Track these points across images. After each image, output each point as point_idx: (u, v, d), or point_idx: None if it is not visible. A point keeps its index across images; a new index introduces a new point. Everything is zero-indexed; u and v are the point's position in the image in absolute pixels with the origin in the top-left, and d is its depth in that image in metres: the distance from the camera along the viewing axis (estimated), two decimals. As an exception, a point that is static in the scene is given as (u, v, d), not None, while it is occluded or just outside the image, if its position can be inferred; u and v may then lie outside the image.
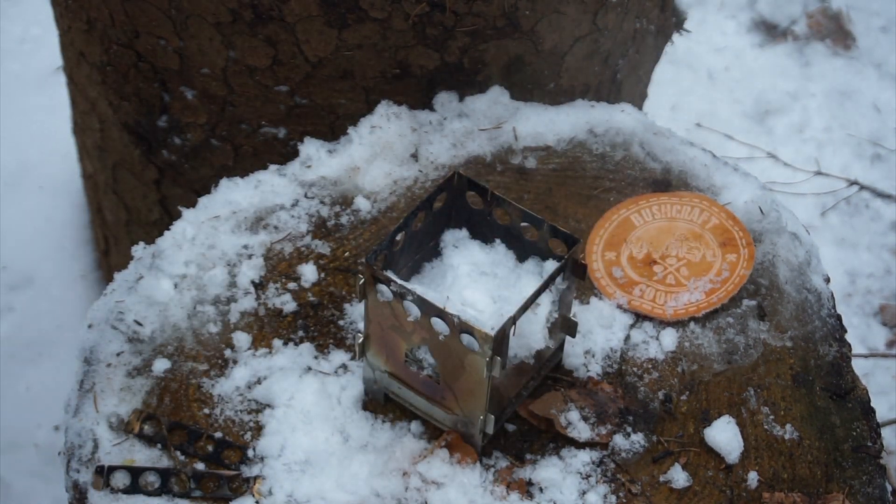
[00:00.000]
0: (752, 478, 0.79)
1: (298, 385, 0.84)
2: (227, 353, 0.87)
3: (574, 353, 0.86)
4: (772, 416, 0.82)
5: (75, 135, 1.45)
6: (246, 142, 1.13)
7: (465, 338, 0.72)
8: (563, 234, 0.78)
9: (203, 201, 0.97)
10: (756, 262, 0.91)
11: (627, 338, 0.87)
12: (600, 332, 0.87)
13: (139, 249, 0.94)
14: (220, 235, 0.94)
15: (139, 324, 0.88)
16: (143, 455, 0.81)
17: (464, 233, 0.84)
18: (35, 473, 1.43)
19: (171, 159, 1.18)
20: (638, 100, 1.32)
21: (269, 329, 0.89)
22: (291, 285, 0.91)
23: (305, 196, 0.98)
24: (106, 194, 1.37)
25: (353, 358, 0.86)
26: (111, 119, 1.20)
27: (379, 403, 0.84)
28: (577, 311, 0.88)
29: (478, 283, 0.79)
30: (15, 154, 1.76)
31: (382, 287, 0.75)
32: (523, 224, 0.81)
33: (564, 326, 0.81)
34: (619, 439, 0.81)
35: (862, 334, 1.80)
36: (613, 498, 0.78)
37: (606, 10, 1.07)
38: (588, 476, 0.79)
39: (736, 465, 0.79)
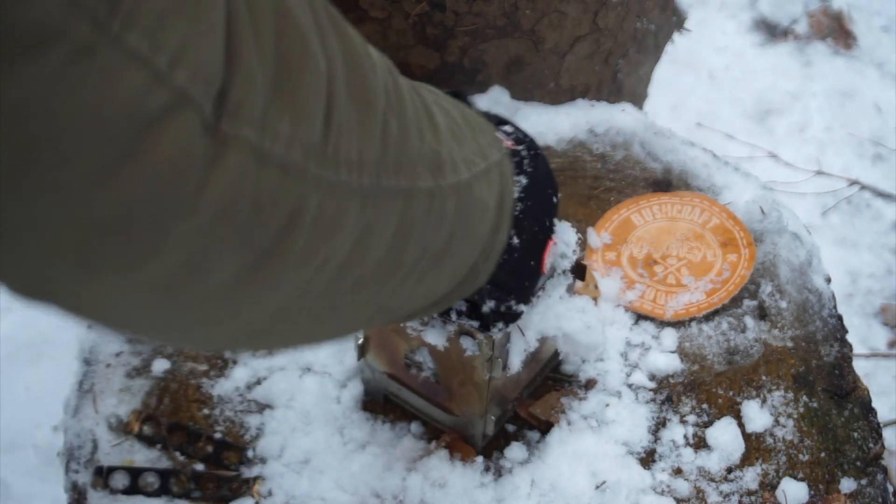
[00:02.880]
0: (753, 478, 0.79)
1: (298, 385, 0.84)
2: (227, 353, 0.87)
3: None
4: (773, 417, 0.82)
5: (75, 134, 1.45)
6: (246, 142, 1.13)
7: (465, 340, 0.72)
8: None
9: (203, 201, 0.97)
10: (757, 262, 0.91)
11: (627, 339, 0.87)
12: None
13: (139, 249, 0.94)
14: (220, 235, 0.94)
15: (138, 324, 0.88)
16: (142, 456, 0.81)
17: None
18: (34, 474, 1.43)
19: (171, 159, 1.18)
20: (638, 99, 1.32)
21: (268, 329, 0.89)
22: (291, 285, 0.91)
23: (305, 196, 0.97)
24: (106, 194, 1.37)
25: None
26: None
27: (379, 404, 0.84)
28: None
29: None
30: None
31: None
32: None
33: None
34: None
35: (863, 334, 1.80)
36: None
37: (607, 10, 1.07)
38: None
39: (736, 466, 0.79)
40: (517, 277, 0.68)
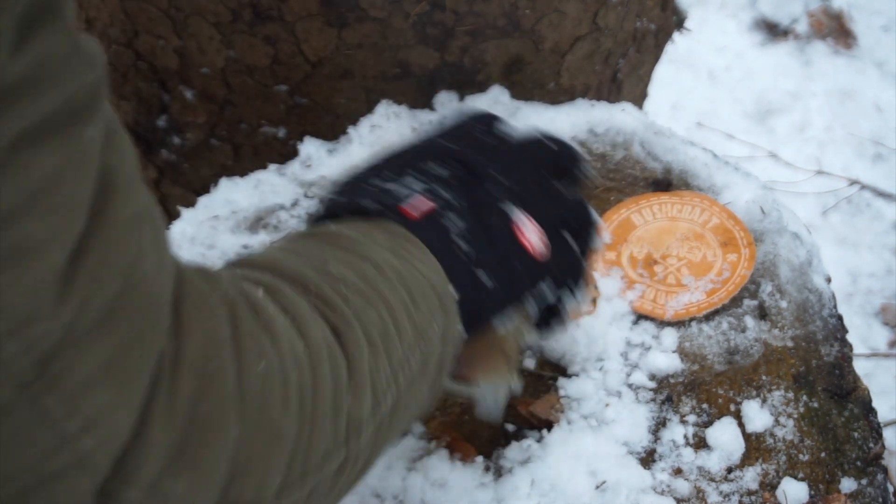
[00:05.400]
0: (753, 478, 0.79)
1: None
2: None
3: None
4: (773, 417, 0.82)
5: (75, 134, 1.45)
6: (246, 141, 1.13)
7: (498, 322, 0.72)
8: None
9: (203, 201, 0.97)
10: (757, 262, 0.91)
11: (628, 339, 0.87)
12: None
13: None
14: (220, 235, 0.94)
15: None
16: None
17: None
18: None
19: (171, 159, 1.18)
20: (638, 99, 1.32)
21: (268, 329, 0.88)
22: (291, 285, 0.91)
23: (305, 196, 0.97)
24: (106, 194, 1.37)
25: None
26: (111, 119, 1.20)
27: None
28: (578, 311, 0.87)
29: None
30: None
31: None
32: None
33: None
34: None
35: (863, 334, 1.80)
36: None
37: (607, 10, 1.07)
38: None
39: (736, 466, 0.79)
40: (506, 292, 0.66)
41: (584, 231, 0.73)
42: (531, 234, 0.68)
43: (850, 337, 0.88)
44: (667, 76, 2.03)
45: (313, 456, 0.50)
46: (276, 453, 0.47)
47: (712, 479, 0.79)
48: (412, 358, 0.58)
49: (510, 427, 0.83)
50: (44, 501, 0.36)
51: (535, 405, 0.83)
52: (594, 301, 0.88)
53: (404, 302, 0.58)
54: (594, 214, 0.74)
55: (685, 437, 0.81)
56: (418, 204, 0.65)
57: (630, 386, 0.84)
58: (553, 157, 0.74)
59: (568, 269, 0.71)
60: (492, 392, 0.78)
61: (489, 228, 0.66)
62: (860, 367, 1.41)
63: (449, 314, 0.62)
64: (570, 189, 0.74)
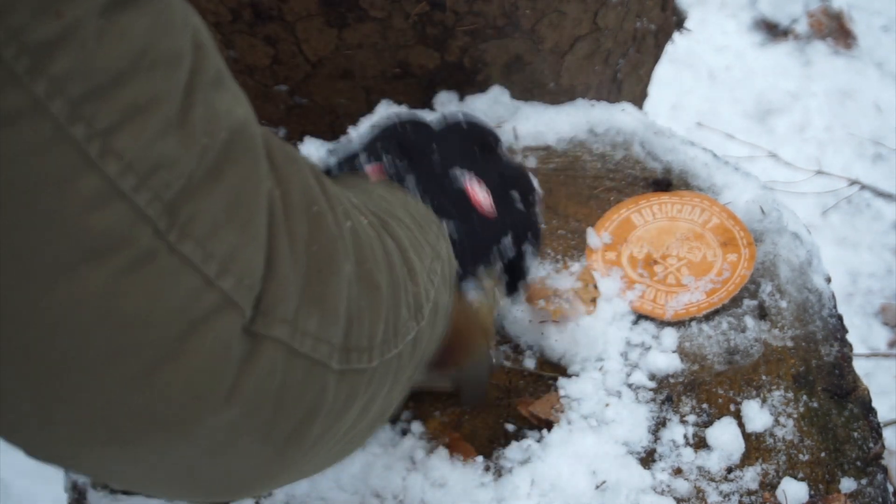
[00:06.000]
0: (753, 478, 0.79)
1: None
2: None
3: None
4: (773, 417, 0.82)
5: (75, 134, 1.45)
6: (246, 141, 1.13)
7: (473, 293, 0.73)
8: None
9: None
10: (757, 262, 0.91)
11: (627, 339, 0.87)
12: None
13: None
14: (220, 235, 0.94)
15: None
16: (142, 455, 0.81)
17: None
18: (34, 474, 1.43)
19: (171, 159, 1.18)
20: (638, 99, 1.32)
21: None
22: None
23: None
24: (106, 194, 1.37)
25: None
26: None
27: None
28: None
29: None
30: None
31: None
32: None
33: None
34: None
35: (863, 334, 1.80)
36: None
37: (607, 10, 1.07)
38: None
39: (736, 466, 0.79)
40: (472, 249, 0.72)
41: (528, 192, 0.80)
42: (480, 193, 0.73)
43: (850, 337, 0.88)
44: (667, 76, 2.03)
45: (400, 317, 0.54)
46: (377, 304, 0.51)
47: (712, 479, 0.79)
48: (436, 266, 0.62)
49: (510, 427, 0.83)
50: (197, 344, 0.38)
51: (535, 405, 0.83)
52: (594, 301, 0.88)
53: (415, 223, 0.63)
54: (533, 179, 0.82)
55: (685, 437, 0.81)
56: (371, 171, 0.72)
57: (630, 386, 0.84)
58: (477, 134, 0.81)
59: (521, 224, 0.76)
60: (475, 371, 0.78)
61: (443, 189, 0.72)
62: (860, 367, 1.41)
63: (447, 241, 0.67)
64: (500, 160, 0.81)
